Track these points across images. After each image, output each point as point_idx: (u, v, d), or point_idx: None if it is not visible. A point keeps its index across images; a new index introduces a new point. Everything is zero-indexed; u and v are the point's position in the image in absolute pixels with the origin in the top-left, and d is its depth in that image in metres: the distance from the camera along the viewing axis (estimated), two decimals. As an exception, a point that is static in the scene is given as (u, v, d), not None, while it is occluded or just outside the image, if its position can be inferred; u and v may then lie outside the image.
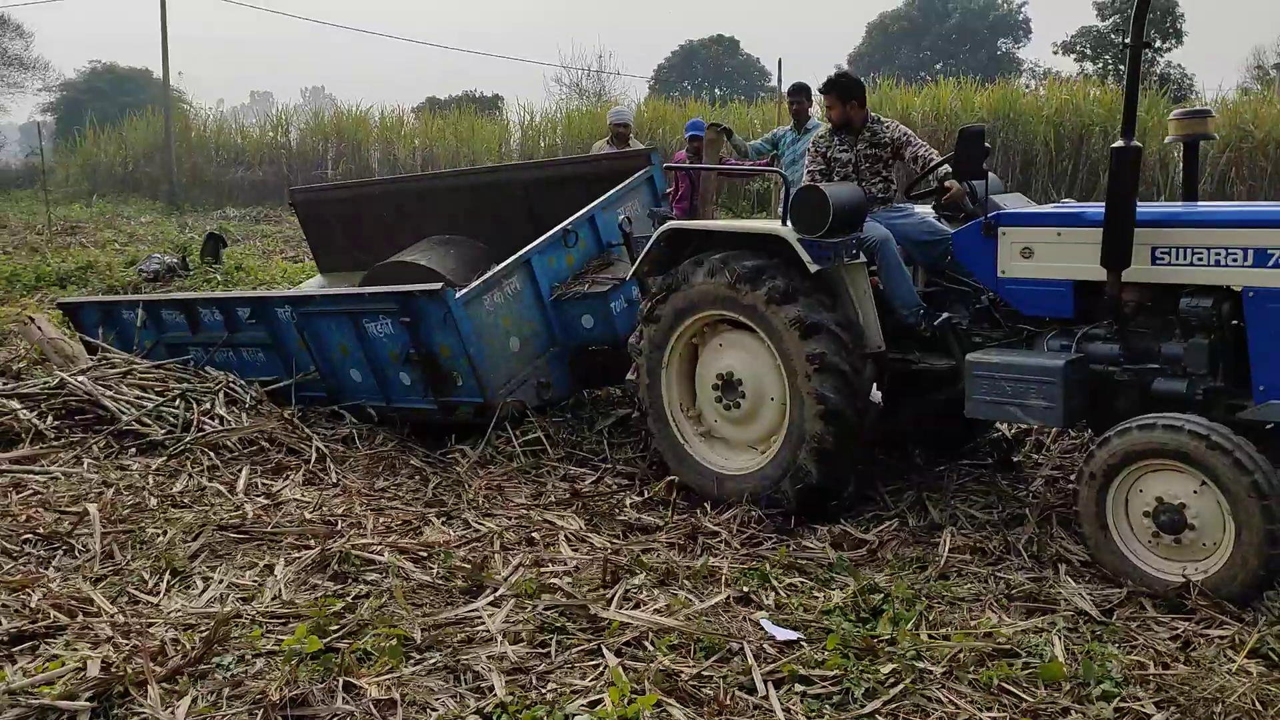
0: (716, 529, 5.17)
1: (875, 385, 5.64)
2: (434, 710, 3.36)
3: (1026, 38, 48.88)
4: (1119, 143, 4.63)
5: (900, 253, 5.66)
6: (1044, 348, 5.13)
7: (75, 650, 3.73)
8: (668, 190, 7.49)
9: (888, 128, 5.99)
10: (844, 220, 5.21)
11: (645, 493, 5.68)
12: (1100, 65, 38.47)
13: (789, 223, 5.31)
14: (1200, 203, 5.28)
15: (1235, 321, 4.59)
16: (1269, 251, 4.40)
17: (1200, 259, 4.60)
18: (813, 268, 5.23)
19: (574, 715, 3.35)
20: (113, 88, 46.62)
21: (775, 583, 4.52)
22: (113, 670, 3.51)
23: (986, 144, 5.54)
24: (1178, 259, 4.66)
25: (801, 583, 4.55)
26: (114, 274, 13.69)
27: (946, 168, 5.54)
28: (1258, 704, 3.45)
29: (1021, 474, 6.05)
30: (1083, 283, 4.95)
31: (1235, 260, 4.50)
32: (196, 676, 3.54)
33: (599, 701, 3.44)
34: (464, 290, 6.30)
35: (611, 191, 7.11)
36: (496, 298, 6.47)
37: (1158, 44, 39.39)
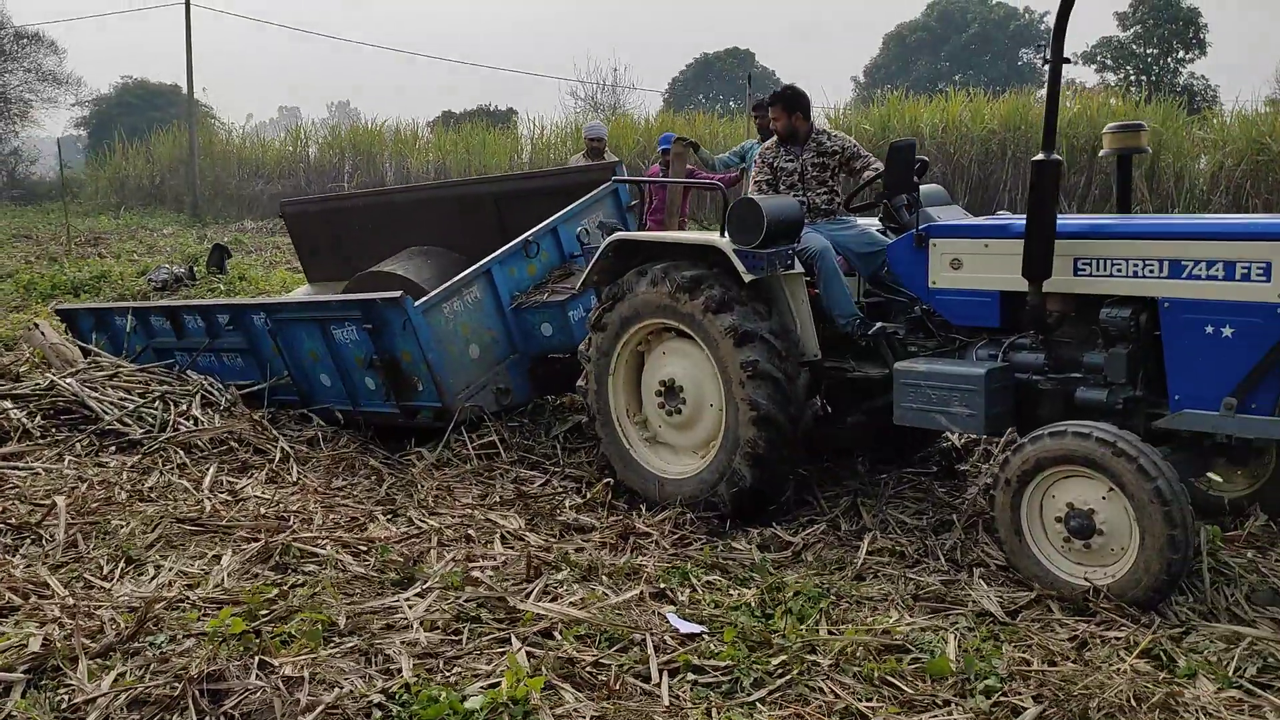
0: (649, 530, 5.35)
1: (818, 394, 5.82)
2: (340, 687, 3.56)
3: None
4: (1039, 156, 4.77)
5: (841, 263, 5.84)
6: (973, 357, 5.29)
7: (22, 629, 3.96)
8: (633, 203, 7.67)
9: (834, 139, 6.17)
10: (779, 231, 5.39)
11: (586, 495, 5.86)
12: (1121, 76, 38.35)
13: (726, 234, 5.49)
14: (1122, 215, 5.41)
15: (1155, 332, 4.72)
16: (1183, 263, 4.54)
17: (1120, 270, 4.73)
18: (747, 277, 5.41)
19: (470, 695, 3.53)
20: (143, 103, 47.40)
21: (694, 580, 4.69)
22: (50, 646, 3.74)
23: (924, 158, 5.75)
24: (1098, 270, 4.80)
25: (719, 581, 4.72)
26: (125, 283, 14.07)
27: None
28: (1132, 700, 3.58)
29: (961, 482, 6.18)
30: (1009, 293, 5.09)
31: (1152, 272, 4.63)
32: (128, 654, 3.77)
33: (497, 684, 3.63)
34: (423, 298, 6.52)
35: (574, 204, 7.32)
36: (456, 305, 6.69)
37: (1180, 54, 39.33)
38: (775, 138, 6.24)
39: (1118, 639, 4.09)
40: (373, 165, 32.13)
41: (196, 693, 3.45)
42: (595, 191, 7.50)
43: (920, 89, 34.39)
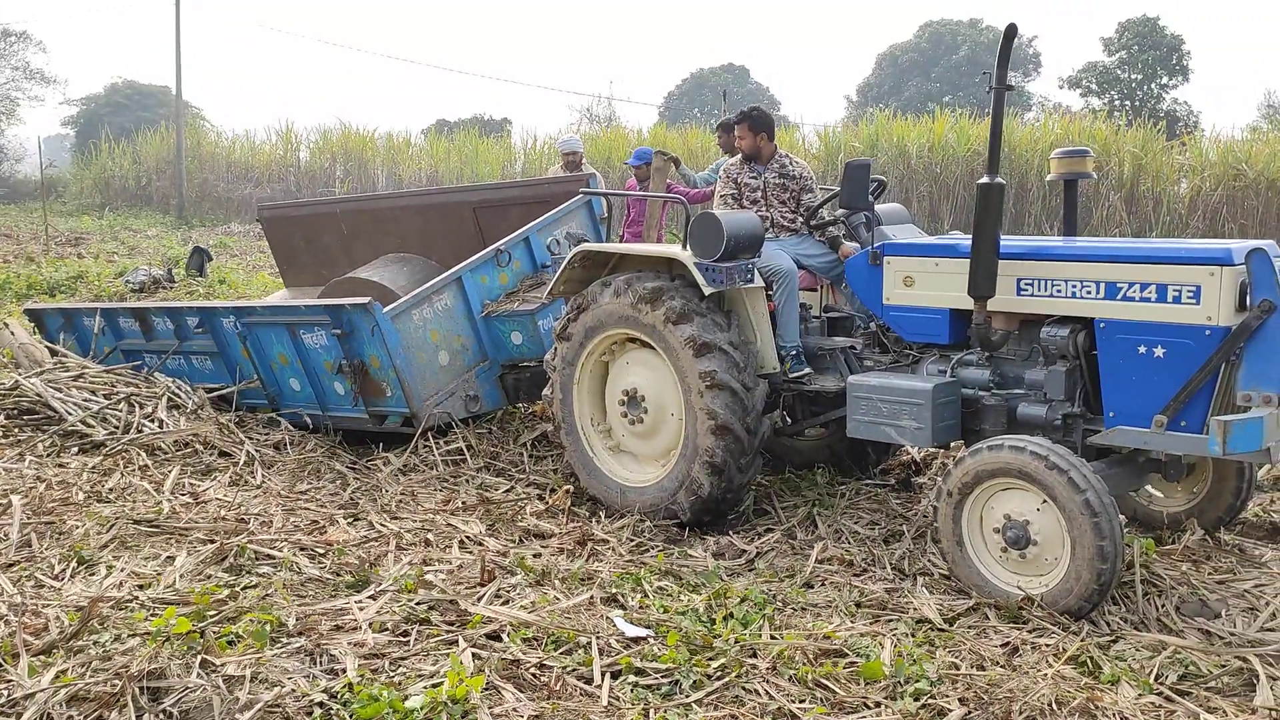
0: (607, 537, 5.44)
1: (778, 407, 5.94)
2: (282, 686, 3.63)
3: (1036, 72, 49.19)
4: (984, 179, 4.91)
5: (805, 278, 5.97)
6: (924, 372, 5.41)
7: (-32, 626, 4.03)
8: (604, 215, 7.78)
9: (796, 165, 6.31)
10: (740, 246, 5.50)
11: (549, 501, 5.95)
12: (1106, 101, 38.67)
13: (688, 247, 5.60)
14: (1063, 239, 5.54)
15: (1092, 351, 4.85)
16: (1118, 285, 4.67)
17: (1059, 291, 4.87)
18: (707, 290, 5.52)
19: (412, 695, 3.61)
20: (133, 103, 47.33)
21: (647, 586, 4.78)
22: (-7, 642, 3.81)
23: (881, 177, 5.88)
24: (1039, 290, 4.94)
25: (671, 587, 4.81)
26: (102, 284, 14.10)
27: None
28: (1054, 703, 3.69)
29: (916, 494, 6.29)
30: (957, 310, 5.22)
31: (1090, 293, 4.77)
32: (71, 651, 3.84)
33: (440, 684, 3.70)
34: (392, 305, 6.61)
35: (546, 215, 7.43)
36: (426, 312, 6.78)
37: (1164, 80, 39.71)
38: (740, 155, 6.36)
39: (1048, 645, 4.20)
40: (364, 171, 32.22)
41: (136, 690, 3.51)
42: (568, 203, 7.60)
43: (911, 109, 34.59)
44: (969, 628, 4.43)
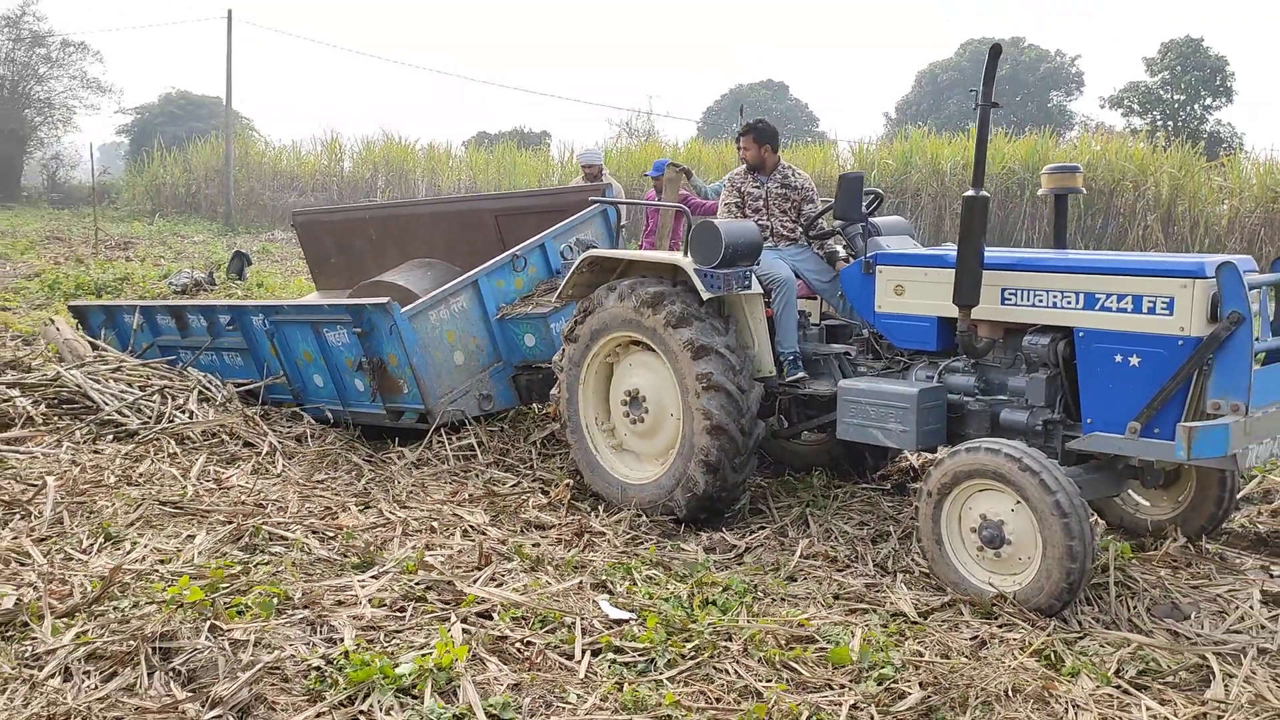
0: (604, 530, 5.68)
1: (775, 410, 6.15)
2: (283, 651, 3.90)
3: (1079, 91, 48.92)
4: (969, 192, 5.11)
5: (802, 287, 6.20)
6: (914, 378, 5.60)
7: (1, 592, 4.34)
8: (622, 224, 8.03)
9: (799, 177, 6.53)
10: (738, 254, 5.72)
11: (549, 495, 6.20)
12: (1148, 121, 38.45)
13: (688, 254, 5.84)
14: (1049, 250, 5.72)
15: (1072, 359, 5.02)
16: (1096, 296, 4.85)
17: (1041, 301, 5.05)
18: (705, 295, 5.75)
19: (403, 663, 3.86)
20: (185, 113, 48.44)
21: (636, 575, 5.01)
22: (21, 605, 4.11)
23: (879, 190, 6.10)
24: (1022, 300, 5.12)
25: (659, 576, 5.03)
26: (146, 286, 14.59)
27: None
28: (1010, 691, 3.87)
29: (909, 498, 6.46)
30: (945, 318, 5.42)
31: (1070, 303, 4.95)
32: (92, 614, 4.14)
33: (430, 654, 3.96)
34: (410, 305, 6.90)
35: (562, 223, 7.70)
36: (443, 313, 7.07)
37: (1207, 101, 39.39)
38: (745, 166, 6.59)
39: (1015, 640, 4.37)
40: (405, 181, 32.83)
41: (149, 650, 3.80)
42: (584, 212, 7.87)
43: (951, 126, 34.63)
44: (942, 621, 4.61)
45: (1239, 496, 6.23)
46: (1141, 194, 23.27)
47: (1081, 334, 4.90)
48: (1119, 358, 4.76)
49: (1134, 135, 28.96)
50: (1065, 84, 48.86)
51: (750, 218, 6.42)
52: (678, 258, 5.92)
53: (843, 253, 6.36)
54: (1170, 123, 37.29)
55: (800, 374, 5.94)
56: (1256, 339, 4.61)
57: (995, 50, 5.01)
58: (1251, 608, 4.74)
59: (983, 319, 5.26)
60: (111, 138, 54.03)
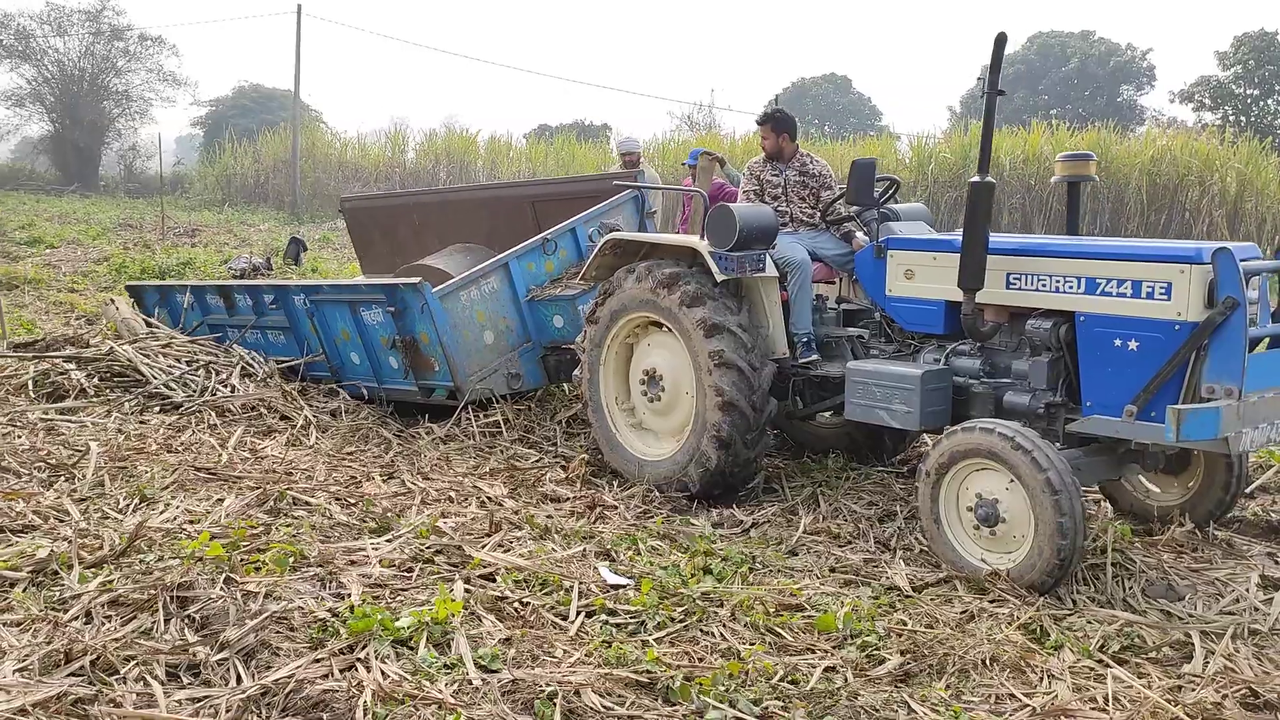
0: (616, 503, 5.85)
1: (790, 391, 6.28)
2: (291, 603, 4.13)
3: (1150, 85, 47.95)
4: (975, 178, 5.18)
5: (820, 269, 6.31)
6: (922, 360, 5.69)
7: (36, 543, 4.64)
8: (653, 210, 8.20)
9: (816, 163, 6.64)
10: (752, 237, 5.86)
11: (565, 471, 6.39)
12: (1220, 115, 37.56)
13: (704, 237, 5.99)
14: (1049, 236, 5.76)
15: (1074, 342, 5.08)
16: (1097, 281, 4.91)
17: (1044, 285, 5.12)
18: (719, 276, 5.89)
19: (403, 617, 4.07)
20: (257, 105, 49.56)
21: (640, 545, 5.17)
22: (53, 555, 4.40)
23: (895, 177, 6.19)
24: (1026, 284, 5.19)
25: (663, 547, 5.19)
26: (207, 270, 15.08)
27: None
28: (989, 660, 3.98)
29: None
30: (952, 302, 5.49)
31: (1071, 288, 5.01)
32: (119, 566, 4.41)
33: (428, 610, 4.16)
34: (441, 285, 7.14)
35: (593, 209, 7.88)
36: (474, 294, 7.29)
37: (1282, 95, 38.38)
38: (764, 154, 6.71)
39: (1004, 614, 4.46)
40: (466, 172, 33.31)
41: (167, 598, 4.05)
42: (614, 198, 8.05)
43: (1017, 121, 34.17)
44: (935, 596, 4.70)
45: (1255, 486, 6.25)
46: (1207, 190, 22.82)
47: (1082, 318, 4.96)
48: (1118, 341, 4.81)
49: (1203, 130, 28.33)
50: (1136, 78, 47.91)
51: (769, 205, 6.54)
52: (694, 240, 6.07)
53: (861, 237, 6.45)
54: (1242, 118, 36.42)
55: (813, 356, 6.05)
56: (1254, 325, 4.65)
57: (1001, 38, 5.07)
58: (1248, 591, 4.77)
59: (988, 303, 5.33)
60: (187, 130, 55.52)
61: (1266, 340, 4.89)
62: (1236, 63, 38.19)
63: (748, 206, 6.07)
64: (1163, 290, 4.67)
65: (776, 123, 6.61)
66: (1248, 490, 6.16)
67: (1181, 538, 5.39)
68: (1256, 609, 4.61)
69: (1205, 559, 5.22)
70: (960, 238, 5.48)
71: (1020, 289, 5.21)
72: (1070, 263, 5.02)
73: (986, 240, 5.16)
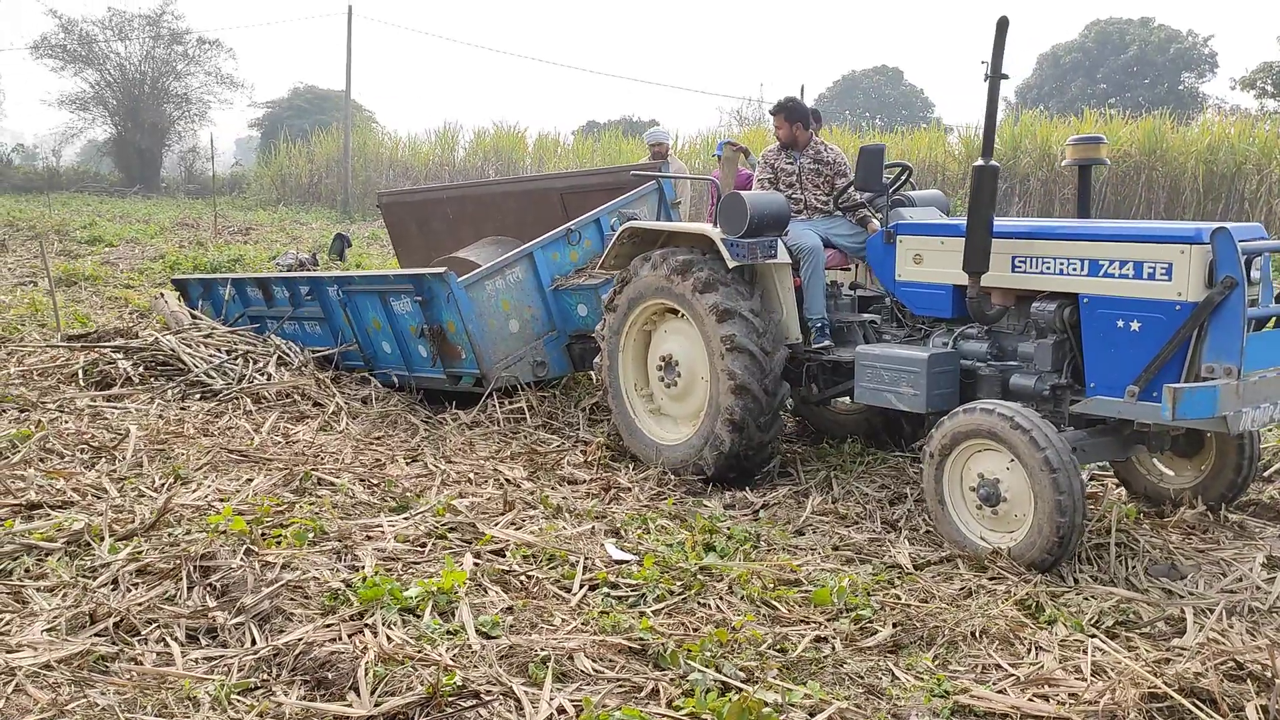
0: (630, 485, 5.99)
1: (806, 376, 6.37)
2: (307, 572, 4.33)
3: (1211, 72, 46.96)
4: (979, 162, 5.23)
5: (835, 256, 6.40)
6: (932, 344, 5.76)
7: (74, 518, 4.89)
8: (677, 200, 8.32)
9: (830, 151, 6.72)
10: (764, 224, 5.97)
11: (584, 454, 6.55)
12: (1282, 103, 36.70)
13: (717, 224, 6.10)
14: (1057, 219, 5.79)
15: (1079, 324, 5.12)
16: (1100, 262, 4.95)
17: (1048, 268, 5.17)
18: (731, 263, 6.01)
19: (410, 585, 4.25)
20: (312, 107, 50.42)
21: (650, 524, 5.31)
22: (88, 528, 4.65)
23: (906, 163, 6.25)
24: (1032, 267, 5.24)
25: (672, 526, 5.32)
26: (257, 266, 15.46)
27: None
28: (977, 632, 4.06)
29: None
30: (959, 286, 5.55)
31: (1075, 270, 5.06)
32: (148, 538, 4.65)
33: (435, 580, 4.34)
34: (466, 275, 7.33)
35: (617, 199, 8.03)
36: (499, 283, 7.48)
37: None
38: (778, 143, 6.81)
39: (1002, 591, 4.53)
40: (514, 170, 33.63)
41: (191, 568, 4.28)
42: (639, 189, 8.19)
43: (1074, 111, 33.70)
44: (936, 574, 4.78)
45: (1274, 470, 6.23)
46: (1264, 178, 22.38)
47: (1086, 300, 5.00)
48: (1120, 322, 4.86)
49: (1268, 117, 27.72)
50: (1197, 65, 46.93)
51: (784, 193, 6.63)
52: (707, 228, 6.19)
53: (876, 223, 6.52)
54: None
55: (826, 341, 6.14)
56: (1255, 304, 4.67)
57: (1003, 22, 5.12)
58: (1251, 570, 4.78)
59: (994, 286, 5.39)
60: (245, 132, 56.72)
61: (1273, 320, 4.90)
62: (1299, 48, 37.22)
63: (759, 194, 6.18)
64: (1164, 271, 4.71)
65: (789, 112, 6.71)
66: (1266, 474, 6.16)
67: (1192, 519, 5.41)
68: (1258, 588, 4.63)
69: (1213, 540, 5.24)
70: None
71: (1025, 272, 5.26)
72: (1073, 245, 5.07)
73: (991, 224, 5.22)
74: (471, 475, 6.02)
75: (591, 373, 8.12)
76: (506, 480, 5.99)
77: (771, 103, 7.11)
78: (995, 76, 5.20)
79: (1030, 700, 3.50)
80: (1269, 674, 3.54)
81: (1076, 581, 4.72)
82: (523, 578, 4.49)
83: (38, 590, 4.12)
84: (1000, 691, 3.58)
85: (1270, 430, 6.63)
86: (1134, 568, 4.86)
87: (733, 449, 6.04)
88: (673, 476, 6.19)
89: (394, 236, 11.22)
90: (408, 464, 6.27)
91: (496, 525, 5.13)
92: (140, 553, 4.46)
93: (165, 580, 4.23)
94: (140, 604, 3.98)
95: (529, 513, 5.40)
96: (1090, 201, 5.96)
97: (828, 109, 50.57)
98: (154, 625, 3.86)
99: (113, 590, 4.13)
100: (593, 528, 5.17)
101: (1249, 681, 3.59)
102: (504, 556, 4.75)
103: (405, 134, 42.36)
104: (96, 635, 3.77)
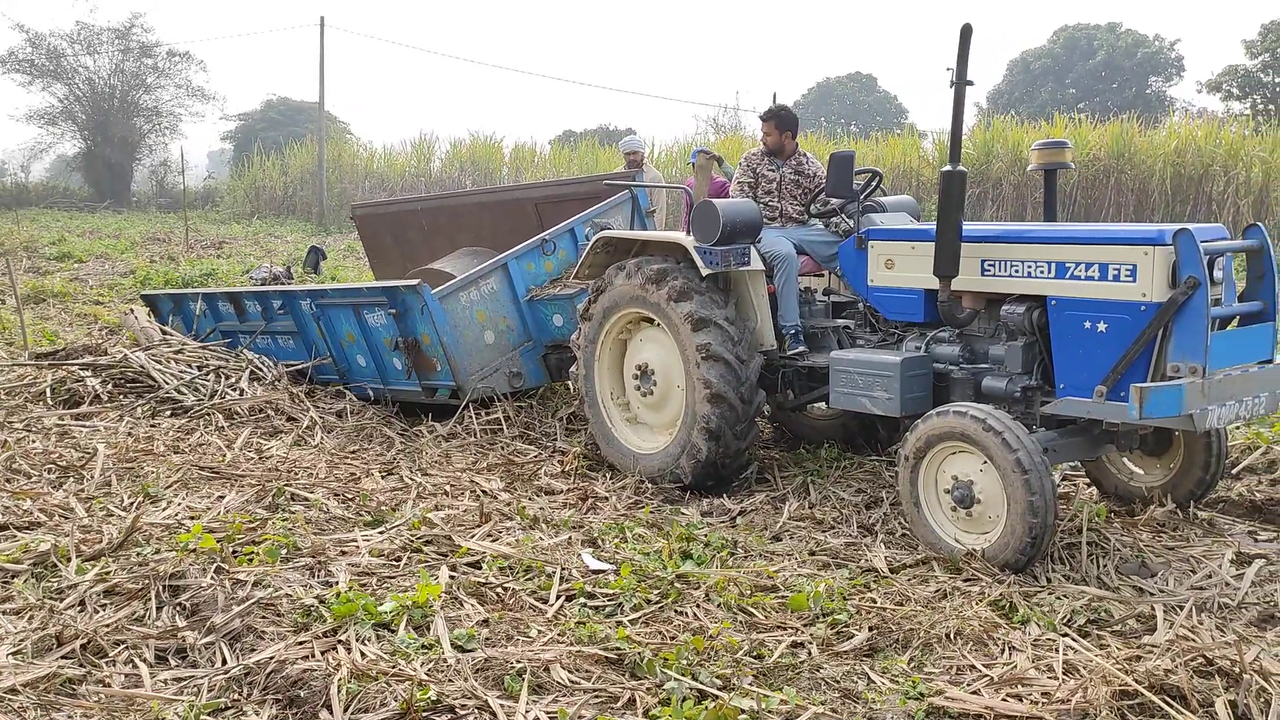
0: (607, 494, 5.99)
1: (781, 382, 6.39)
2: (279, 590, 4.30)
3: (1178, 76, 47.50)
4: (947, 167, 5.27)
5: (807, 263, 6.41)
6: (905, 348, 5.78)
7: (40, 539, 4.84)
8: (652, 209, 8.34)
9: (812, 164, 6.75)
10: (736, 231, 5.98)
11: (561, 464, 6.53)
12: (1248, 104, 37.17)
13: (690, 232, 6.11)
14: (1025, 223, 5.83)
15: (1047, 326, 5.15)
16: (1066, 265, 4.99)
17: (1017, 271, 5.21)
18: (705, 271, 6.02)
19: (385, 600, 4.23)
20: (285, 119, 50.21)
21: (628, 533, 5.30)
22: (54, 549, 4.60)
23: (877, 169, 6.29)
24: (1001, 271, 5.28)
25: (649, 535, 5.32)
26: (230, 280, 15.37)
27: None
28: (951, 633, 4.07)
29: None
30: (931, 291, 5.58)
31: (1043, 272, 5.10)
32: (115, 558, 4.60)
33: (410, 594, 4.31)
34: (440, 287, 7.31)
35: (591, 209, 8.03)
36: (473, 295, 7.46)
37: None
38: (762, 148, 6.83)
39: (976, 592, 4.54)
40: (491, 180, 33.60)
41: (160, 587, 4.24)
42: (613, 198, 8.19)
43: (1043, 116, 33.98)
44: (911, 577, 4.80)
45: (1241, 467, 6.28)
46: (1231, 179, 22.64)
47: (1053, 302, 5.04)
48: (1087, 324, 4.89)
49: (1234, 120, 28.03)
50: (1164, 69, 47.50)
51: (763, 199, 6.65)
52: (680, 236, 6.20)
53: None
54: (1271, 106, 35.98)
55: (800, 347, 6.15)
56: (1218, 304, 4.71)
57: (966, 29, 5.15)
58: (1220, 567, 4.82)
59: (965, 290, 5.42)
60: (218, 144, 56.37)
61: (1237, 319, 4.95)
62: (1264, 50, 37.78)
63: (731, 201, 6.19)
64: (1128, 272, 4.75)
65: (780, 120, 6.73)
66: (1234, 471, 6.22)
67: (1162, 517, 5.45)
68: (1227, 584, 4.67)
69: (1183, 537, 5.28)
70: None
71: (995, 275, 5.29)
72: (1041, 248, 5.10)
73: (960, 228, 5.25)
74: (448, 487, 6.00)
75: (568, 383, 8.14)
76: (483, 492, 5.97)
77: (748, 110, 7.15)
78: (961, 83, 5.23)
79: (1004, 700, 3.51)
80: (1237, 669, 3.57)
81: (1049, 581, 4.75)
82: (499, 590, 4.47)
83: (3, 613, 4.07)
84: (974, 692, 3.59)
85: (1237, 428, 6.68)
86: (1105, 566, 4.88)
87: (710, 457, 6.04)
88: (650, 485, 6.19)
89: (369, 249, 11.18)
90: (383, 477, 6.24)
91: (473, 537, 5.10)
92: (108, 573, 4.41)
93: (134, 600, 4.18)
94: (108, 625, 3.94)
95: (506, 524, 5.37)
96: (1057, 205, 6.00)
97: (803, 116, 50.55)
98: (122, 646, 3.82)
99: (80, 612, 4.09)
100: (570, 538, 5.16)
101: (1218, 677, 3.61)
102: (480, 569, 4.72)
103: (381, 145, 42.50)
104: (64, 658, 3.72)
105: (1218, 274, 4.72)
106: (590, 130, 43.94)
